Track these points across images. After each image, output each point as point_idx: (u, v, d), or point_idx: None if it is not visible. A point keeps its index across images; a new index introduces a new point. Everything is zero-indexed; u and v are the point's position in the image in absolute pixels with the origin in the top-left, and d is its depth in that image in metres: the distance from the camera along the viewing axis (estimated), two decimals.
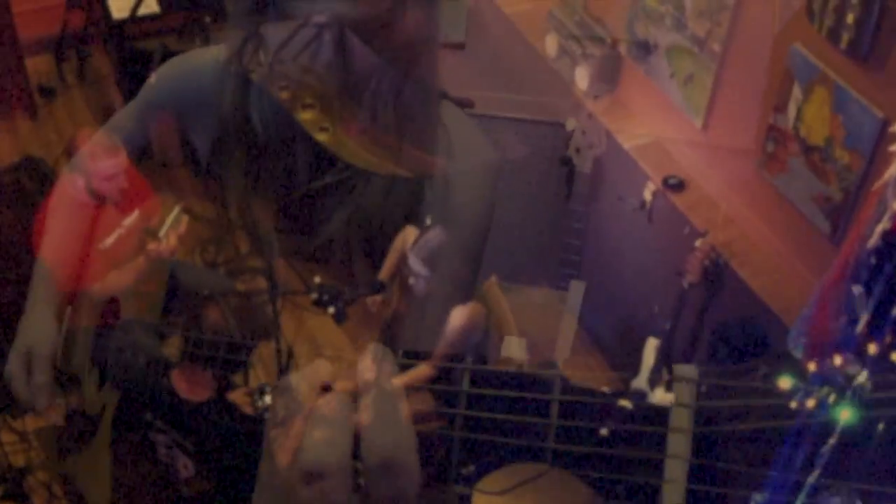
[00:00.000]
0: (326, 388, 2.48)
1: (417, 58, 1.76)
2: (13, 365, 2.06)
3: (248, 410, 3.22)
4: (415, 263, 1.71)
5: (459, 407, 0.97)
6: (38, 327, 2.14)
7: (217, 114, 1.88)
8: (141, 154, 2.27)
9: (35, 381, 2.05)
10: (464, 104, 3.86)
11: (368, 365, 0.97)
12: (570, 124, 3.71)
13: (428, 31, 1.76)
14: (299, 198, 1.86)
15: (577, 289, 3.61)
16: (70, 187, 3.69)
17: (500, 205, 1.97)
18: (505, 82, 4.42)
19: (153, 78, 2.07)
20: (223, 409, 3.30)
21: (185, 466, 3.19)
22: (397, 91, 1.71)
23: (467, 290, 1.98)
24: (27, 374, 2.08)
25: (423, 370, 1.78)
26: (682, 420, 0.80)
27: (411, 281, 1.69)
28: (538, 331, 3.91)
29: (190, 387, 3.32)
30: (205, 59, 1.98)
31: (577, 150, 3.59)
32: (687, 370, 0.83)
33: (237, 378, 3.45)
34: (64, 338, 2.18)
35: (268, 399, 3.22)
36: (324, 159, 1.82)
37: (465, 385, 0.95)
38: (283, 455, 0.88)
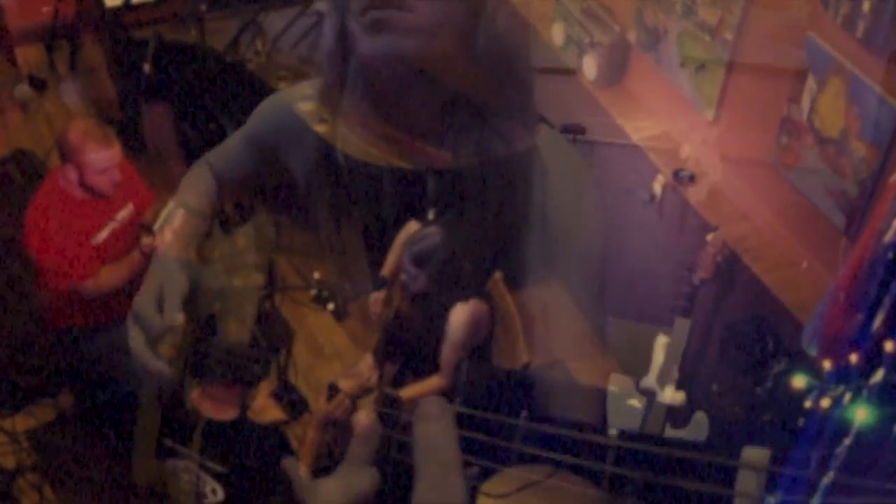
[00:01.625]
0: (333, 390, 2.47)
1: (489, 90, 1.77)
2: (144, 306, 2.14)
3: (271, 416, 3.22)
4: (406, 262, 1.71)
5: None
6: (168, 266, 2.22)
7: (311, 148, 1.91)
8: (242, 186, 2.33)
9: (168, 317, 2.12)
10: (575, 130, 3.80)
11: (370, 367, 0.98)
12: (683, 152, 3.77)
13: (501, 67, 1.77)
14: (405, 149, 1.86)
15: (681, 327, 3.66)
16: (62, 180, 3.70)
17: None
18: (569, 99, 4.39)
19: (254, 114, 2.13)
20: (245, 427, 3.29)
21: (214, 491, 3.18)
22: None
23: (598, 322, 1.96)
24: (159, 313, 2.16)
25: (434, 383, 1.78)
26: None
27: (403, 277, 1.69)
28: (545, 328, 3.90)
29: (215, 406, 3.32)
30: (302, 94, 2.01)
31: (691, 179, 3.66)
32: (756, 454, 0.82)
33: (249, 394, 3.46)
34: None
35: (294, 397, 3.22)
36: (413, 198, 1.83)
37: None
38: (303, 464, 0.89)
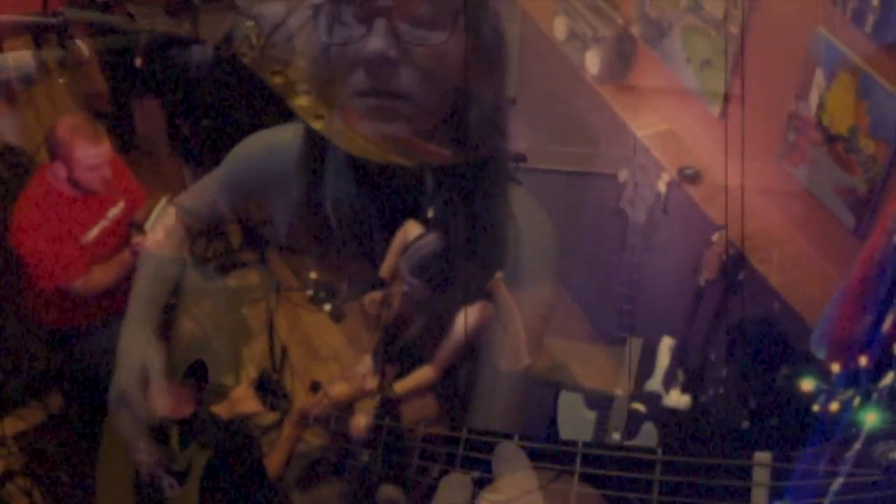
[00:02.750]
0: (315, 387, 2.47)
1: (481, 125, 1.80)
2: (127, 384, 2.20)
3: (248, 408, 3.22)
4: (405, 272, 1.72)
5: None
6: (145, 342, 2.23)
7: (294, 196, 1.93)
8: (217, 225, 2.37)
9: (156, 402, 2.21)
10: (517, 159, 3.90)
11: (367, 371, 0.98)
12: (622, 175, 3.83)
13: (490, 93, 1.81)
14: (404, 145, 1.89)
15: (634, 347, 3.71)
16: (51, 177, 3.70)
17: None
18: (556, 135, 4.42)
19: (231, 156, 2.13)
20: (210, 423, 3.30)
21: (171, 486, 3.20)
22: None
23: (529, 372, 2.01)
24: (143, 391, 2.20)
25: (426, 373, 1.79)
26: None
27: (404, 287, 1.70)
28: (549, 331, 3.91)
29: (171, 404, 3.32)
30: (285, 137, 2.02)
31: (630, 202, 3.71)
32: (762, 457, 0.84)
33: (227, 379, 3.46)
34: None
35: (274, 388, 3.22)
36: (413, 119, 1.84)
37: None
38: (275, 460, 0.89)
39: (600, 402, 3.40)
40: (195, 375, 2.83)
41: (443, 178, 1.83)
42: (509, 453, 1.03)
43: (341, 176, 1.86)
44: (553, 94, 4.56)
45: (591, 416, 3.19)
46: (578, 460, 0.93)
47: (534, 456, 0.96)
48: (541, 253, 2.00)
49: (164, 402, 2.20)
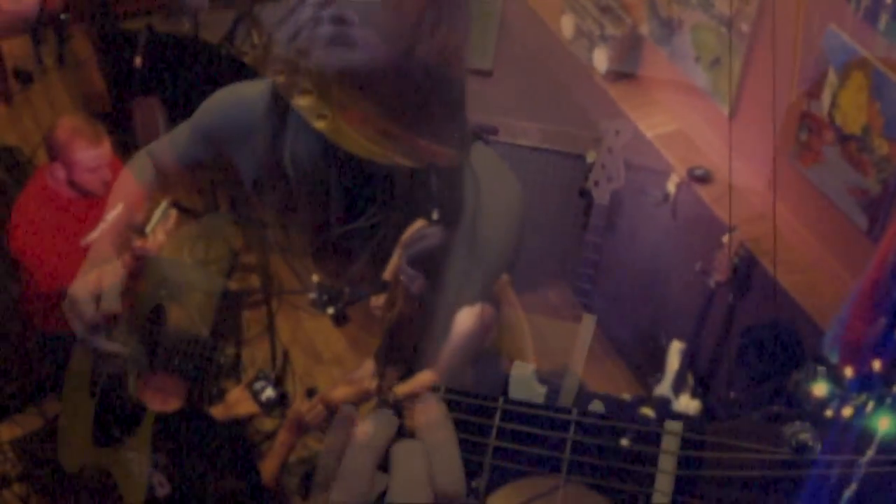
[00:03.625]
0: (311, 393, 2.46)
1: (443, 84, 1.83)
2: (80, 291, 2.34)
3: (245, 410, 3.23)
4: (404, 263, 1.72)
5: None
6: (104, 255, 2.43)
7: (258, 147, 1.99)
8: (184, 177, 2.46)
9: (104, 307, 2.33)
10: (489, 131, 3.97)
11: (370, 374, 0.99)
12: (590, 157, 3.92)
13: (453, 56, 1.84)
14: (332, 235, 1.95)
15: (588, 323, 3.75)
16: (49, 179, 3.71)
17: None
18: (529, 112, 4.44)
19: (203, 105, 2.23)
20: (198, 420, 3.31)
21: (161, 484, 3.20)
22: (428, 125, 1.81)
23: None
24: (96, 303, 2.33)
25: (427, 377, 1.79)
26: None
27: (403, 279, 1.70)
28: (554, 334, 3.91)
29: (158, 397, 3.33)
30: (253, 91, 2.11)
31: (596, 183, 3.81)
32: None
33: (227, 384, 3.46)
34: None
35: (270, 391, 3.24)
36: (356, 203, 1.89)
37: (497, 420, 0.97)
38: (269, 466, 0.89)
39: (551, 377, 3.44)
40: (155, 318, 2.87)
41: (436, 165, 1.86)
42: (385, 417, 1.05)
43: (302, 130, 1.89)
44: (531, 71, 4.59)
45: (542, 390, 3.22)
46: (497, 416, 0.95)
47: (455, 407, 0.98)
48: (501, 217, 2.05)
49: (112, 308, 2.33)
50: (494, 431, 0.96)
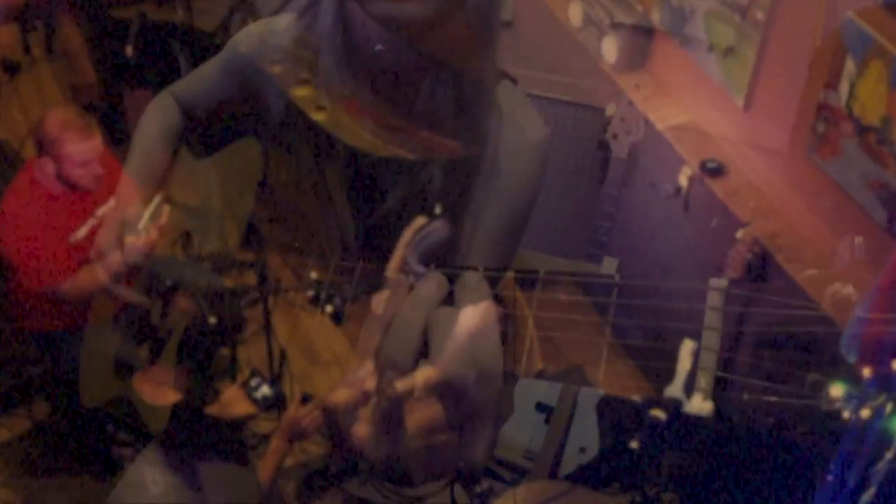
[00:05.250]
0: (305, 399, 2.49)
1: (472, 50, 1.85)
2: (105, 234, 2.47)
3: (239, 410, 3.23)
4: (411, 259, 1.72)
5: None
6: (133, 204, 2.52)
7: (319, 65, 2.03)
8: (210, 115, 2.51)
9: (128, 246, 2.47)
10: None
11: (370, 374, 0.99)
12: (610, 109, 4.01)
13: (484, 25, 1.86)
14: (366, 168, 1.96)
15: (609, 266, 3.89)
16: (38, 173, 3.70)
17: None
18: (549, 63, 4.45)
19: (231, 42, 2.30)
20: (196, 417, 3.32)
21: (154, 482, 3.21)
22: (455, 80, 1.83)
23: (507, 259, 2.09)
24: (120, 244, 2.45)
25: (427, 373, 1.79)
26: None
27: (410, 279, 1.71)
28: (562, 332, 3.92)
29: (155, 390, 3.34)
30: (283, 22, 2.15)
31: (615, 136, 3.88)
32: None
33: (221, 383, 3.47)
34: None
35: (266, 390, 3.24)
36: (419, 111, 1.90)
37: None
38: (265, 471, 0.90)
39: (559, 377, 3.57)
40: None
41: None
42: (472, 282, 1.07)
43: (333, 53, 1.91)
44: (548, 23, 4.63)
45: None
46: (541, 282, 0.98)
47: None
48: (524, 152, 2.09)
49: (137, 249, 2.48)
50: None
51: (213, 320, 3.31)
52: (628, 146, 3.93)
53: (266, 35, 2.19)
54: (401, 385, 1.46)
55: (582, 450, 3.29)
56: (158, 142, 2.55)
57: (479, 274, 1.06)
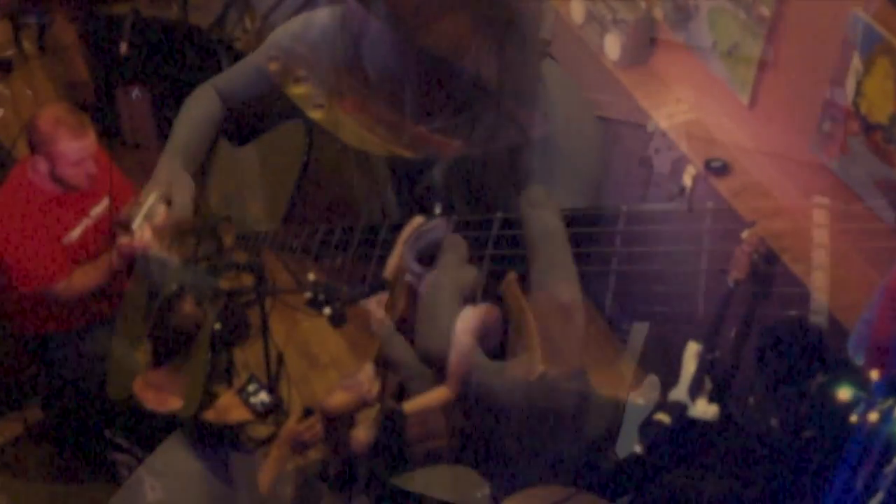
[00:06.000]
0: (309, 412, 2.49)
1: (475, 47, 1.88)
2: (151, 198, 2.64)
3: (236, 416, 3.24)
4: (408, 258, 1.73)
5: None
6: (178, 176, 2.70)
7: (333, 58, 2.07)
8: (249, 106, 2.61)
9: (175, 213, 2.66)
10: None
11: (369, 378, 1.00)
12: (651, 126, 3.98)
13: (490, 21, 1.88)
14: (410, 137, 1.99)
15: (639, 332, 3.82)
16: (31, 172, 3.70)
17: None
18: (590, 82, 4.45)
19: (270, 38, 2.39)
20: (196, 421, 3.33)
21: (153, 488, 3.21)
22: (499, 48, 1.85)
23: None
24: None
25: (440, 394, 1.81)
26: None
27: (408, 278, 1.71)
28: (561, 333, 3.91)
29: (157, 396, 3.34)
30: (322, 16, 2.22)
31: (656, 151, 3.87)
32: None
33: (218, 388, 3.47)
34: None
35: (264, 396, 3.25)
36: (434, 102, 1.92)
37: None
38: (264, 477, 0.89)
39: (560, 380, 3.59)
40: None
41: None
42: (541, 197, 1.10)
43: (377, 38, 1.95)
44: (555, 51, 4.64)
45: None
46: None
47: None
48: (575, 121, 2.13)
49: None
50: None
51: (217, 326, 3.31)
52: (671, 161, 3.91)
53: (311, 26, 2.23)
54: (410, 407, 1.46)
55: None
56: (198, 129, 2.65)
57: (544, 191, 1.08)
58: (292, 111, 2.58)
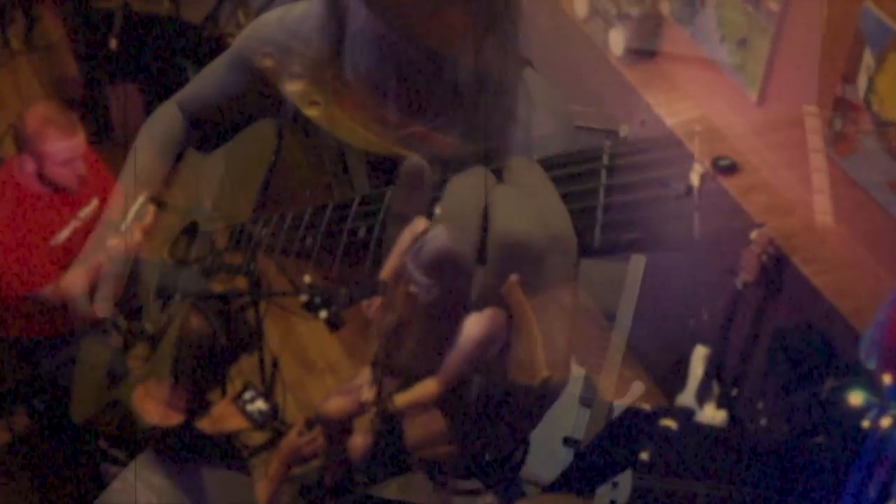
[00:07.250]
0: (310, 424, 2.49)
1: (474, 41, 1.87)
2: (75, 277, 2.53)
3: (232, 425, 3.24)
4: (413, 270, 1.72)
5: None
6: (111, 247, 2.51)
7: (310, 58, 2.04)
8: (216, 119, 2.55)
9: (102, 295, 2.46)
10: None
11: (366, 383, 1.00)
12: (623, 131, 3.97)
13: (487, 14, 1.88)
14: (408, 135, 1.98)
15: (636, 264, 3.87)
16: (17, 172, 3.71)
17: None
18: (561, 90, 4.47)
19: (243, 34, 2.33)
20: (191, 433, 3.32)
21: (142, 492, 3.21)
22: (477, 56, 1.84)
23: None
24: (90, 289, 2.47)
25: (429, 387, 1.80)
26: None
27: (412, 289, 1.71)
28: (563, 338, 3.91)
29: (159, 409, 3.33)
30: (299, 10, 2.18)
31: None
32: None
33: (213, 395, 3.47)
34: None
35: (260, 404, 3.25)
36: (418, 106, 1.91)
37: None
38: (263, 491, 0.90)
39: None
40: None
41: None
42: (522, 167, 1.10)
43: (359, 37, 1.93)
44: (557, 50, 4.64)
45: None
46: None
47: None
48: (555, 116, 2.12)
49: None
50: None
51: (223, 340, 3.31)
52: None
53: (287, 19, 2.21)
54: (400, 400, 1.46)
55: (615, 485, 3.28)
56: (156, 152, 2.58)
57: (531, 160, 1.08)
58: (261, 113, 2.58)
